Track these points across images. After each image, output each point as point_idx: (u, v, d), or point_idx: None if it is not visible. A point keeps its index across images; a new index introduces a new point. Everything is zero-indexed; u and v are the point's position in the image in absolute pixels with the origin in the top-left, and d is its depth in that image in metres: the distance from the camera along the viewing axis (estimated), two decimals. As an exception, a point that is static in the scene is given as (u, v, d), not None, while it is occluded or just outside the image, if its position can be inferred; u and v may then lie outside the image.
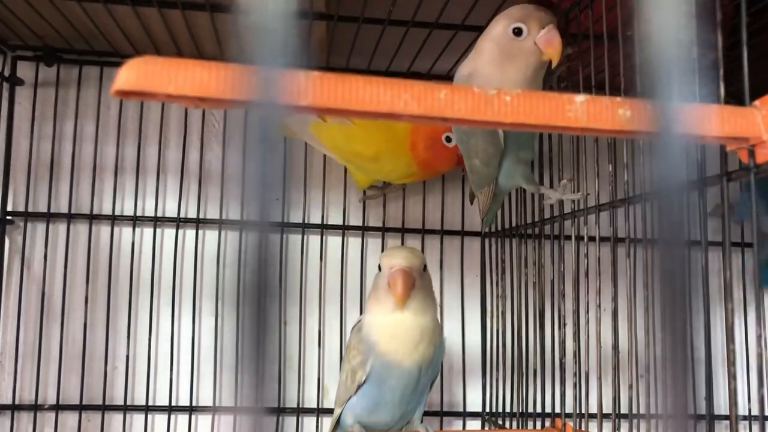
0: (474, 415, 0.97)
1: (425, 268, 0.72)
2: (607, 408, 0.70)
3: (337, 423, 0.74)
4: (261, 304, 0.24)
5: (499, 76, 0.63)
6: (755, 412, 0.95)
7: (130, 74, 0.34)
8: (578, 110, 0.39)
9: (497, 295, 0.94)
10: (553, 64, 0.63)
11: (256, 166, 0.24)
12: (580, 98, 0.39)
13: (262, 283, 0.23)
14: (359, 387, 0.70)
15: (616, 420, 0.65)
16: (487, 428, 0.95)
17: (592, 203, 0.66)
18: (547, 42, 0.62)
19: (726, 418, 0.98)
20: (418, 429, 0.71)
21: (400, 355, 0.68)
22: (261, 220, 0.25)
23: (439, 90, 0.38)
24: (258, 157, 0.24)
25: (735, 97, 0.47)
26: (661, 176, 0.25)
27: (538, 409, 0.80)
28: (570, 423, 0.70)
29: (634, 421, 0.67)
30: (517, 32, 0.63)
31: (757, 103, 0.42)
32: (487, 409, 0.96)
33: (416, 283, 0.69)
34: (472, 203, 0.95)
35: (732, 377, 0.45)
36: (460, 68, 0.69)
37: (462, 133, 0.72)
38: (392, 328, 0.69)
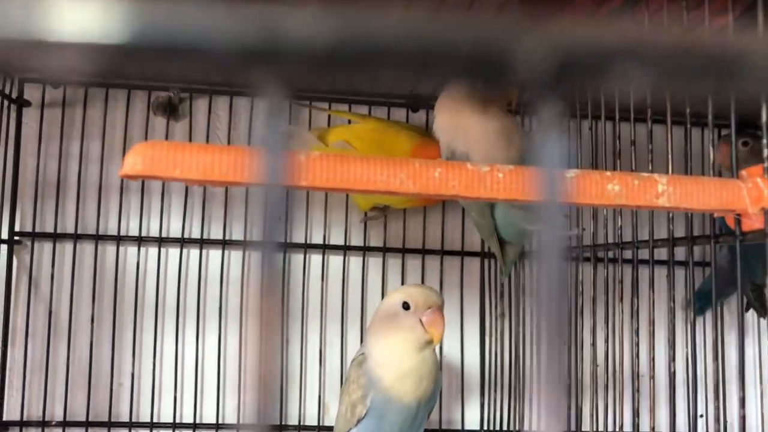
0: (471, 433, 0.98)
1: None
2: (602, 427, 0.72)
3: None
4: (265, 320, 0.25)
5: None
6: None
7: (136, 160, 0.36)
8: (568, 186, 0.40)
9: (496, 316, 0.96)
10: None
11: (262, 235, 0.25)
12: (570, 173, 0.41)
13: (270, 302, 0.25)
14: (359, 421, 0.72)
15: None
16: (484, 447, 0.97)
17: (588, 243, 0.68)
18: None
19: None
20: (416, 458, 0.73)
21: (403, 393, 0.70)
22: (268, 245, 0.26)
23: (434, 168, 0.39)
24: (264, 229, 0.26)
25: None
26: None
27: (535, 428, 0.82)
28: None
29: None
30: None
31: (743, 173, 0.43)
32: (485, 427, 0.98)
33: None
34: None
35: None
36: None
37: None
38: (406, 366, 0.71)
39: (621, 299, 0.66)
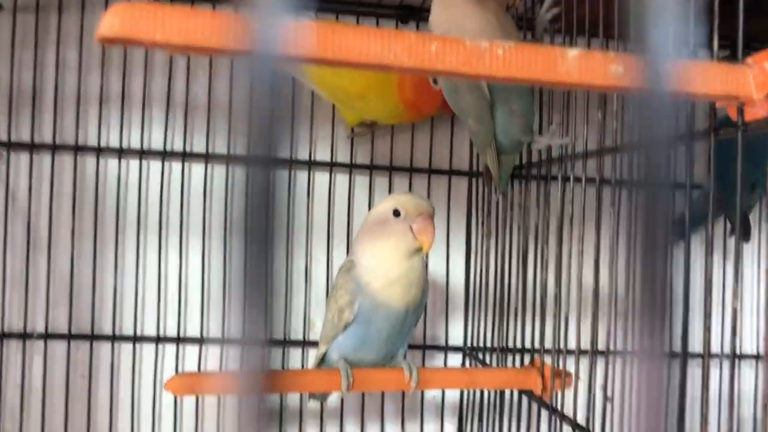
0: (455, 349, 0.99)
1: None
2: (585, 345, 0.72)
3: (322, 359, 0.76)
4: (269, 239, 0.24)
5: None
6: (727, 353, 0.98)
7: (114, 21, 0.33)
8: (570, 65, 0.39)
9: (482, 235, 0.95)
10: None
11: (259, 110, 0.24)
12: (572, 53, 0.39)
13: (270, 219, 0.24)
14: (346, 326, 0.72)
15: (593, 356, 0.68)
16: (467, 362, 0.98)
17: (580, 149, 0.66)
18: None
19: (700, 356, 1.01)
20: (401, 365, 0.73)
21: (391, 298, 0.70)
22: (268, 158, 0.25)
23: (431, 42, 0.37)
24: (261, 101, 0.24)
25: (729, 40, 0.46)
26: (648, 131, 0.25)
27: (519, 345, 0.82)
28: (548, 361, 0.73)
29: (611, 357, 0.69)
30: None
31: (749, 60, 0.42)
32: (469, 344, 0.98)
33: None
34: (487, 187, 0.94)
35: (707, 329, 0.46)
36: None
37: (451, 92, 0.73)
38: (395, 272, 0.70)
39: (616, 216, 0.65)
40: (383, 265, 0.70)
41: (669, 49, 0.25)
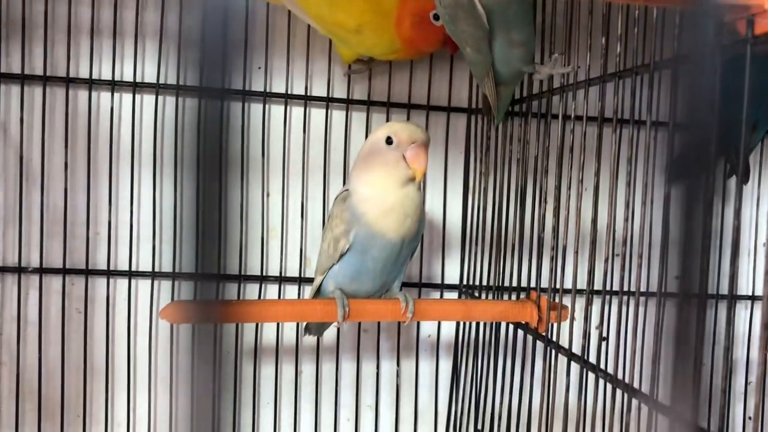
0: (451, 287, 0.99)
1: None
2: (582, 284, 0.72)
3: (318, 290, 0.76)
4: (211, 171, 0.24)
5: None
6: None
7: None
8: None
9: (480, 173, 0.94)
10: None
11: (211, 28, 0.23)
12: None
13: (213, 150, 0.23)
14: (342, 256, 0.71)
15: (589, 296, 0.67)
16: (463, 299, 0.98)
17: (582, 78, 0.65)
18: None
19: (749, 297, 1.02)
20: (398, 296, 0.73)
21: (386, 227, 0.69)
22: (210, 85, 0.24)
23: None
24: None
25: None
26: (692, 42, 0.24)
27: (515, 284, 0.82)
28: (544, 295, 0.72)
29: (607, 297, 0.69)
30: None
31: (761, -31, 0.40)
32: (465, 282, 0.98)
33: None
34: (485, 117, 0.92)
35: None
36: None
37: (449, 21, 0.71)
38: (390, 201, 0.69)
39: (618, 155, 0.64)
40: (378, 194, 0.69)
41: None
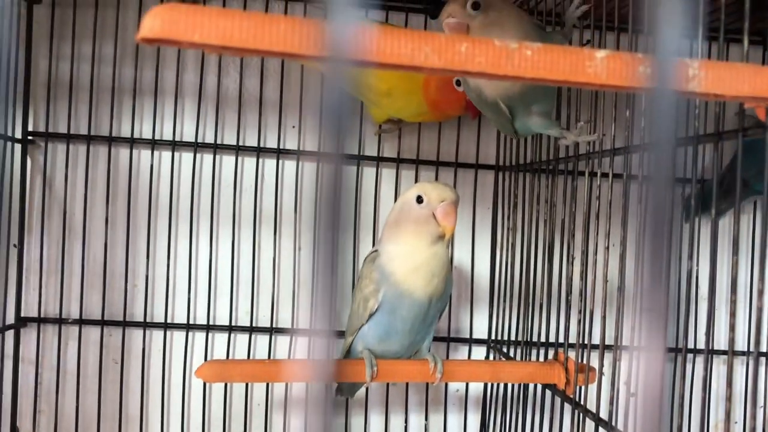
0: (480, 342, 1.00)
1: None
2: (610, 341, 0.72)
3: (348, 351, 0.77)
4: (335, 234, 0.25)
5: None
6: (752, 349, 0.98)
7: (155, 23, 0.35)
8: (598, 66, 0.39)
9: (508, 228, 0.95)
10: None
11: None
12: (600, 54, 0.39)
13: (336, 214, 0.25)
14: (371, 316, 0.73)
15: (617, 351, 0.68)
16: (492, 355, 0.98)
17: (607, 146, 0.66)
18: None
19: (724, 353, 1.01)
20: (426, 357, 0.74)
21: (414, 286, 0.71)
22: (336, 155, 0.26)
23: (461, 43, 0.38)
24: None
25: (759, 34, 0.46)
26: (655, 129, 0.26)
27: (543, 339, 0.83)
28: (572, 356, 0.73)
29: (635, 353, 0.69)
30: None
31: (779, 61, 0.41)
32: (493, 337, 0.99)
33: None
34: (512, 173, 0.95)
35: (731, 328, 0.47)
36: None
37: (473, 100, 0.74)
38: (418, 260, 0.71)
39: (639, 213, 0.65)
40: (406, 253, 0.71)
41: (677, 50, 0.25)
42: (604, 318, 0.68)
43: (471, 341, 1.00)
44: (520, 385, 0.87)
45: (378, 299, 0.71)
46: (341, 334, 0.94)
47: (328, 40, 0.37)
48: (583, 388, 0.73)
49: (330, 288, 0.24)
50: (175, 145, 0.94)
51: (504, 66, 0.38)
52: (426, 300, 0.71)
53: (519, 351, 0.90)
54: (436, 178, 0.98)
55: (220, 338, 0.96)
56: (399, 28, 0.37)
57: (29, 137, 0.92)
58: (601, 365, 0.72)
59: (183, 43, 0.35)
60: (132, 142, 0.94)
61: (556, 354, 0.78)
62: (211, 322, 0.95)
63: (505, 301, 0.95)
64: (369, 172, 0.99)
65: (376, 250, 0.75)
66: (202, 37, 0.35)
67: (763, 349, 0.97)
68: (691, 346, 0.83)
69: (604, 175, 0.71)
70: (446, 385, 1.00)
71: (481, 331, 1.00)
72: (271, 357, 0.95)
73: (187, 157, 0.95)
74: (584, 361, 0.72)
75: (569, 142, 0.70)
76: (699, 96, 0.41)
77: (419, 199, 0.72)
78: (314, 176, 0.97)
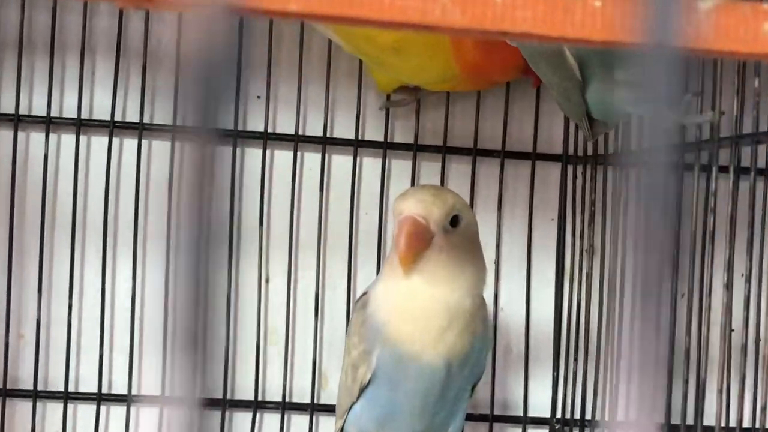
0: (540, 422, 1.00)
1: (457, 220, 0.73)
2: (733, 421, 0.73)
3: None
4: (201, 250, 0.25)
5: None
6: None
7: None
8: (702, 23, 0.40)
9: (582, 251, 0.96)
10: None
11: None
12: (705, 4, 0.40)
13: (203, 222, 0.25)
14: (362, 390, 0.73)
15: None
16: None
17: (726, 132, 0.67)
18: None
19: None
20: (454, 448, 0.75)
21: (418, 345, 0.71)
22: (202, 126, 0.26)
23: (495, -9, 0.38)
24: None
25: None
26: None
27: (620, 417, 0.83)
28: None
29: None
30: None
31: None
32: (558, 414, 0.99)
33: (437, 241, 0.71)
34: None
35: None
36: None
37: (529, 61, 0.74)
38: (406, 304, 0.72)
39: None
40: (400, 294, 0.73)
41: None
42: (721, 390, 0.68)
43: (526, 421, 1.00)
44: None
45: (371, 366, 0.72)
46: (330, 409, 0.95)
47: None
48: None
49: (194, 332, 0.24)
50: (80, 124, 0.95)
51: (561, 24, 0.39)
52: (441, 366, 0.72)
53: (597, 436, 0.90)
54: (472, 172, 0.99)
55: (148, 413, 0.97)
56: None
57: None
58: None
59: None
60: (17, 120, 0.95)
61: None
62: (134, 392, 0.96)
63: (576, 361, 0.95)
64: (371, 163, 0.99)
65: (366, 292, 0.76)
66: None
67: None
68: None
69: (723, 168, 0.71)
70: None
71: (540, 407, 1.00)
72: (224, 444, 0.96)
73: (98, 141, 0.96)
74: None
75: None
76: None
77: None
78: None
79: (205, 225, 0.24)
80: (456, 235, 0.73)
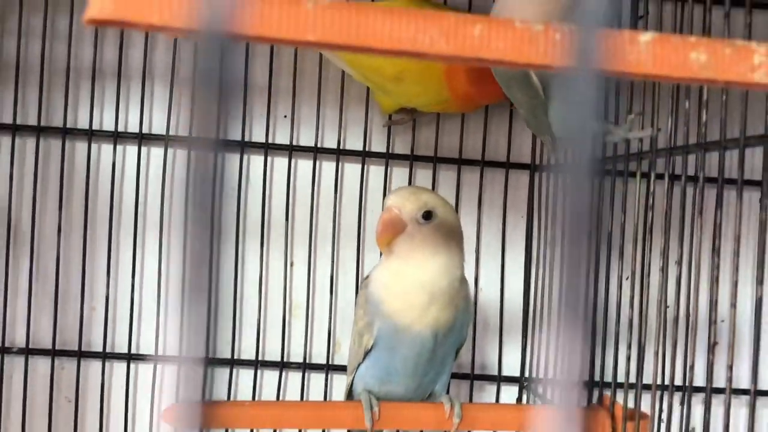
0: (510, 380, 1.00)
1: (430, 215, 0.73)
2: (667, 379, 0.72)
3: (350, 393, 0.78)
4: (209, 237, 0.25)
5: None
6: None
7: (104, 1, 0.35)
8: (642, 52, 0.39)
9: (546, 242, 0.96)
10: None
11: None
12: (645, 37, 0.40)
13: (208, 212, 0.24)
14: (367, 353, 0.74)
15: (684, 395, 0.68)
16: (525, 397, 0.99)
17: (663, 145, 0.67)
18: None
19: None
20: (442, 400, 0.75)
21: (410, 319, 0.71)
22: (207, 136, 0.25)
23: (473, 24, 0.38)
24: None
25: None
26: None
27: (587, 377, 0.83)
28: (620, 402, 0.73)
29: (699, 396, 0.69)
30: None
31: None
32: (527, 374, 0.99)
33: (410, 230, 0.72)
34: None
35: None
36: None
37: (501, 82, 0.74)
38: (397, 283, 0.72)
39: (700, 222, 0.65)
40: (393, 275, 0.73)
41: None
42: (657, 353, 0.68)
43: (500, 379, 1.00)
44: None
45: (373, 334, 0.73)
46: (341, 369, 0.95)
47: (316, 21, 0.38)
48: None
49: (201, 307, 0.24)
50: (142, 138, 0.95)
51: (527, 52, 0.38)
52: (429, 335, 0.72)
53: (558, 391, 0.90)
54: (458, 179, 0.99)
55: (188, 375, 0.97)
56: (401, 10, 0.38)
57: (-33, 129, 0.94)
58: (660, 410, 0.73)
59: (139, 25, 0.36)
60: (90, 134, 0.95)
61: (600, 396, 0.79)
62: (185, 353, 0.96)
63: (541, 330, 0.95)
64: (377, 171, 0.99)
65: (368, 274, 0.76)
66: (164, 19, 0.35)
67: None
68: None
69: (659, 175, 0.71)
70: (468, 433, 1.00)
71: (512, 367, 1.00)
72: (257, 395, 0.96)
73: (156, 152, 0.97)
74: (636, 405, 0.72)
75: (618, 139, 0.71)
76: (764, 88, 0.41)
77: None
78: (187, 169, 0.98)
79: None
80: (429, 227, 0.72)
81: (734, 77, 0.40)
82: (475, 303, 0.96)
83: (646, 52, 0.39)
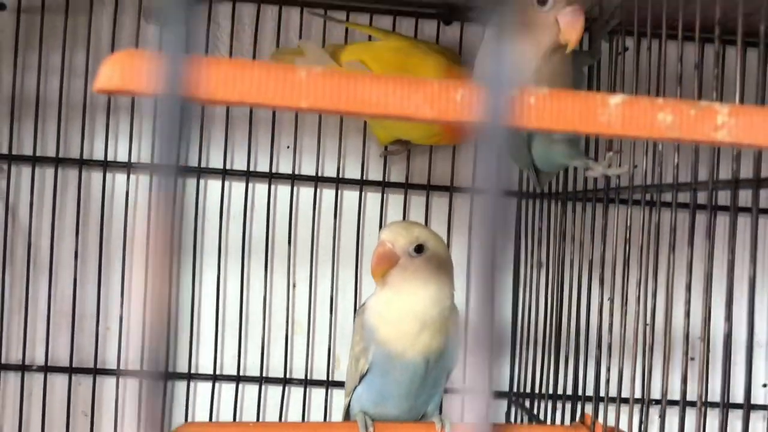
0: (499, 395, 1.00)
1: (422, 248, 0.72)
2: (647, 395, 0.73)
3: (347, 413, 0.79)
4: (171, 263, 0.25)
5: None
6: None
7: (113, 71, 0.36)
8: (612, 114, 0.40)
9: (532, 264, 0.96)
10: (568, 48, 0.67)
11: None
12: (615, 99, 0.40)
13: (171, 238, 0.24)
14: (363, 377, 0.74)
15: (663, 410, 0.68)
16: (513, 410, 0.99)
17: (638, 182, 0.67)
18: (567, 22, 0.66)
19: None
20: (433, 420, 0.75)
21: (402, 346, 0.71)
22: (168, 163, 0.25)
23: (456, 91, 0.39)
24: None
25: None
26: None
27: (571, 392, 0.83)
28: (600, 421, 0.73)
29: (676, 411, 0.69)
30: (542, 1, 0.66)
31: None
32: (515, 389, 0.99)
33: (402, 263, 0.71)
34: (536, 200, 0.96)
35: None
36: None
37: None
38: (390, 312, 0.73)
39: (673, 248, 0.66)
40: (387, 307, 0.73)
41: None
42: (635, 369, 0.68)
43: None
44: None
45: (368, 359, 0.73)
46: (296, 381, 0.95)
47: (312, 90, 0.39)
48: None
49: (160, 327, 0.24)
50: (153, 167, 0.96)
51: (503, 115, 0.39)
52: (421, 362, 0.72)
53: (544, 406, 0.90)
54: (450, 206, 0.99)
55: (203, 388, 0.97)
56: (388, 77, 0.38)
57: (-10, 160, 0.94)
58: (640, 424, 0.73)
59: (140, 93, 0.36)
60: (105, 165, 0.95)
61: (582, 413, 0.79)
62: (193, 371, 0.96)
63: (528, 349, 0.96)
64: (374, 198, 1.00)
65: (365, 302, 0.77)
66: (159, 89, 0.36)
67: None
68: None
69: (636, 202, 0.72)
70: (461, 443, 1.00)
71: (500, 383, 1.00)
72: (261, 412, 0.96)
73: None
74: (618, 419, 0.72)
75: (597, 174, 0.71)
76: (730, 145, 0.42)
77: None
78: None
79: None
80: (421, 259, 0.72)
81: (699, 137, 0.40)
82: (465, 323, 0.96)
83: (616, 114, 0.40)
